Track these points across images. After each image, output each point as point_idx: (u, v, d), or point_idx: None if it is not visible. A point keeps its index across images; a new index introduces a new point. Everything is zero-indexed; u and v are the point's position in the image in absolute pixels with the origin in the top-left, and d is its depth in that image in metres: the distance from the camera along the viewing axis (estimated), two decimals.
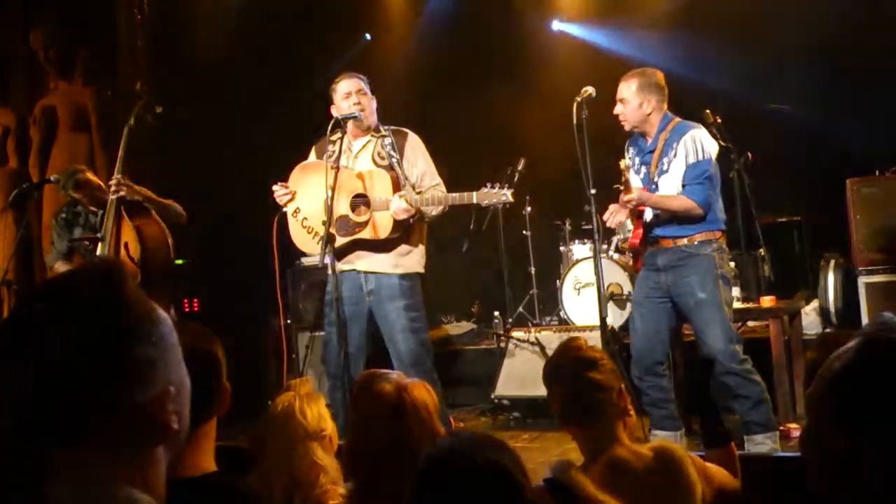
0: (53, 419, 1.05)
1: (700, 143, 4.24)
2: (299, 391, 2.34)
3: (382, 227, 4.27)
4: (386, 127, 4.51)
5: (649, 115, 4.32)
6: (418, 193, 4.36)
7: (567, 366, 2.20)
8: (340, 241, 4.31)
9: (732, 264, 5.54)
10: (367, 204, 4.28)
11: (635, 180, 4.37)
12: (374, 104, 4.50)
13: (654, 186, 4.31)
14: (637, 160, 4.44)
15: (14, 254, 5.37)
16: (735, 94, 6.55)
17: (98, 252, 4.60)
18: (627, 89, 4.30)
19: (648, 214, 4.35)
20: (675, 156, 4.26)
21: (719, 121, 5.69)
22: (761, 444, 4.17)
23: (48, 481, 1.04)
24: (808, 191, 6.73)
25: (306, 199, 4.49)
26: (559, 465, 1.96)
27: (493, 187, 4.01)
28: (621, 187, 4.21)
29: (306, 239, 4.52)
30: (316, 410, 2.32)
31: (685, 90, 6.51)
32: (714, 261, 4.21)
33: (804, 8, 6.59)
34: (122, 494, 1.05)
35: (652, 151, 4.34)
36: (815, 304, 5.67)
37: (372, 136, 4.47)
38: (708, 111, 5.68)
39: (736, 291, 5.32)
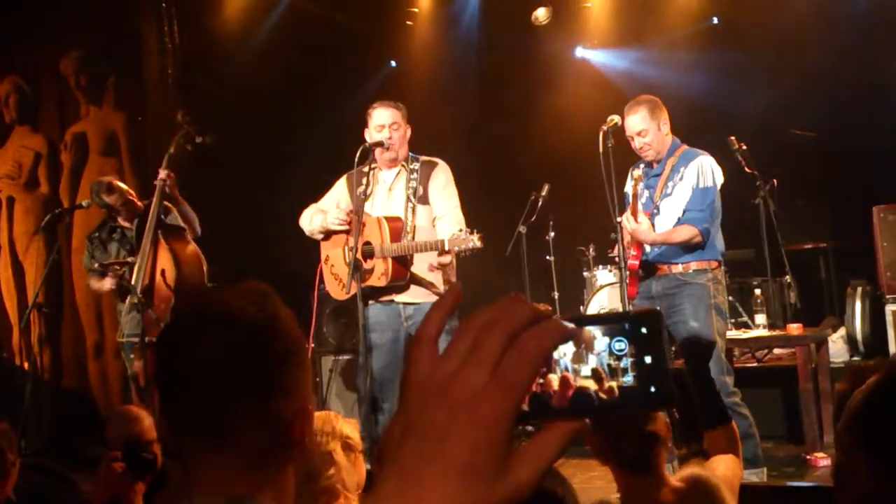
0: (207, 430, 1.10)
1: (709, 170, 4.22)
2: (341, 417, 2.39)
3: (381, 274, 4.30)
4: (416, 157, 4.53)
5: (667, 135, 4.32)
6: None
7: (627, 423, 2.10)
8: (362, 285, 4.33)
9: (758, 291, 5.53)
10: (372, 253, 4.32)
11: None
12: (408, 134, 4.53)
13: (655, 210, 4.28)
14: (641, 184, 4.43)
15: (45, 277, 5.44)
16: (760, 120, 6.55)
17: (134, 278, 4.66)
18: (641, 120, 4.27)
19: None
20: (681, 179, 4.24)
21: (744, 147, 5.68)
22: (747, 479, 4.08)
23: (197, 489, 1.09)
24: (834, 217, 6.70)
25: (334, 247, 4.55)
26: None
27: (462, 232, 4.02)
28: (620, 218, 4.17)
29: (334, 286, 4.59)
30: (350, 427, 2.36)
31: (710, 116, 6.55)
32: (708, 290, 4.17)
33: (829, 32, 6.60)
34: None
35: (658, 175, 4.32)
36: (842, 331, 5.63)
37: (402, 166, 4.50)
38: (733, 138, 5.68)
39: (762, 319, 5.29)
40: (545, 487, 1.45)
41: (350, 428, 2.36)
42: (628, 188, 4.43)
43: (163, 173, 4.76)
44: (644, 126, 4.27)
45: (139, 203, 5.08)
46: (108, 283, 5.02)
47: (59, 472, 2.92)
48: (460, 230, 4.05)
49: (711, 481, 2.10)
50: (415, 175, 4.42)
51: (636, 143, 4.29)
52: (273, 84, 7.33)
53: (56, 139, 7.46)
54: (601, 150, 4.10)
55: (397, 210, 4.40)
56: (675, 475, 2.16)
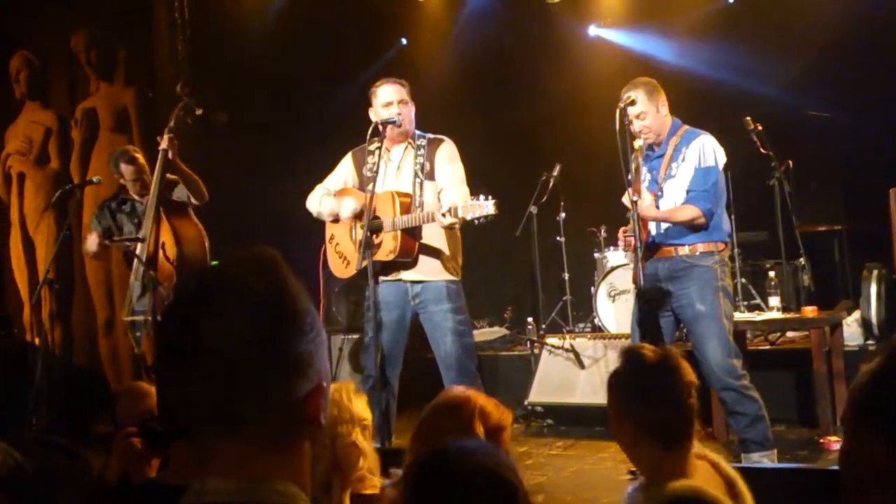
0: (219, 410, 1.05)
1: (711, 149, 4.15)
2: (346, 386, 2.38)
3: (389, 249, 4.27)
4: (423, 134, 4.49)
5: (665, 117, 4.24)
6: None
7: (669, 387, 2.03)
8: (374, 259, 4.30)
9: (772, 273, 5.48)
10: (381, 227, 4.28)
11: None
12: (413, 111, 4.48)
13: (659, 192, 4.21)
14: (644, 167, 4.35)
15: (55, 254, 5.43)
16: (776, 101, 6.48)
17: (138, 252, 4.65)
18: (639, 103, 4.18)
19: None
20: (683, 160, 4.17)
21: (760, 128, 5.63)
22: (758, 462, 3.98)
23: (211, 473, 1.05)
24: (849, 200, 6.64)
25: (340, 226, 4.52)
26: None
27: (477, 199, 3.93)
28: (634, 197, 4.08)
29: (339, 264, 4.57)
30: (360, 402, 2.35)
31: (725, 97, 6.49)
32: (715, 272, 4.11)
33: (846, 14, 6.51)
34: (282, 489, 1.06)
35: (661, 156, 4.25)
36: (856, 314, 5.58)
37: (409, 143, 4.46)
38: (748, 118, 5.62)
39: (776, 301, 5.25)
40: (499, 475, 1.42)
41: (362, 405, 2.35)
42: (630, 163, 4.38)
43: (164, 142, 4.70)
44: (643, 108, 4.20)
45: (149, 179, 5.06)
46: (91, 244, 5.00)
47: (70, 448, 2.91)
48: (474, 197, 3.96)
49: (723, 464, 2.08)
50: (422, 151, 4.39)
51: (636, 126, 4.21)
52: (283, 60, 7.29)
53: (66, 115, 7.44)
54: (618, 127, 4.03)
55: (405, 186, 4.37)
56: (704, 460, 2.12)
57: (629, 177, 4.08)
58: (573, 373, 5.81)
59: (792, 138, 6.19)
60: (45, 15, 7.29)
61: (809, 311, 4.99)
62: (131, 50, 7.21)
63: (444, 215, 3.98)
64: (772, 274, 5.48)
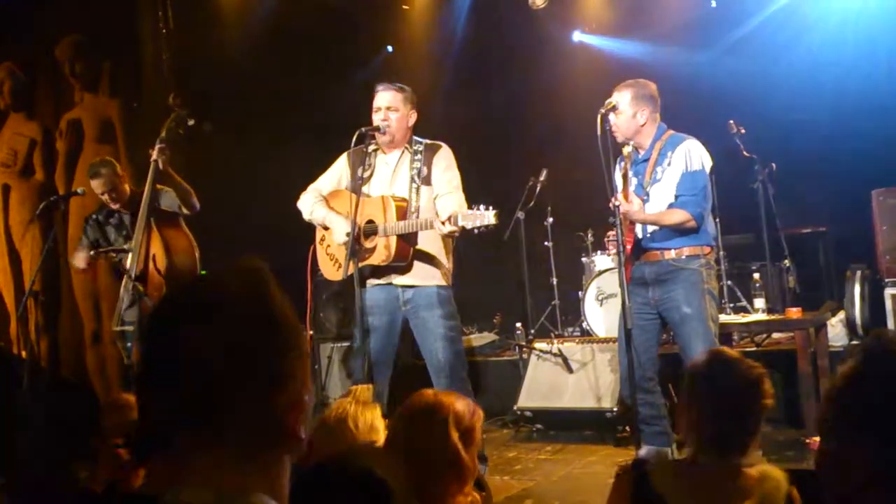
0: (197, 421, 1.05)
1: (697, 154, 4.18)
2: (358, 398, 2.34)
3: (383, 255, 4.27)
4: (420, 140, 4.49)
5: (643, 126, 4.27)
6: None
7: (747, 391, 2.01)
8: (362, 264, 4.29)
9: (757, 275, 5.52)
10: (375, 231, 4.28)
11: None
12: (411, 119, 4.46)
13: (646, 196, 4.24)
14: (630, 171, 4.37)
15: (41, 265, 5.42)
16: (759, 103, 6.52)
17: (128, 264, 4.64)
18: (621, 99, 4.25)
19: (638, 224, 4.29)
20: (669, 164, 4.20)
21: (743, 131, 5.67)
22: None
23: (186, 483, 1.05)
24: (833, 201, 6.68)
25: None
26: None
27: (477, 208, 3.96)
28: (616, 202, 4.08)
29: (329, 266, 4.55)
30: (369, 419, 2.31)
31: (708, 101, 6.52)
32: (701, 275, 4.14)
33: (827, 14, 6.56)
34: (257, 502, 1.06)
35: (646, 161, 4.28)
36: (841, 315, 5.62)
37: (406, 148, 4.46)
38: (731, 122, 5.66)
39: (761, 303, 5.28)
40: (371, 474, 1.42)
41: (369, 420, 2.30)
42: (618, 170, 4.40)
43: (155, 152, 4.70)
44: (621, 108, 4.25)
45: (126, 189, 5.04)
46: (80, 260, 5.00)
47: (57, 460, 2.91)
48: (475, 206, 3.95)
49: (778, 482, 2.03)
50: (419, 157, 4.39)
51: (610, 118, 4.25)
52: (269, 68, 7.29)
53: (51, 126, 7.43)
54: (599, 132, 4.06)
55: (401, 191, 4.37)
56: (754, 468, 2.06)
57: (615, 181, 4.11)
58: (562, 377, 5.82)
59: (775, 141, 6.23)
60: (29, 25, 7.26)
61: (794, 312, 5.02)
62: (116, 60, 7.20)
63: (443, 223, 3.99)
64: (757, 276, 5.52)
